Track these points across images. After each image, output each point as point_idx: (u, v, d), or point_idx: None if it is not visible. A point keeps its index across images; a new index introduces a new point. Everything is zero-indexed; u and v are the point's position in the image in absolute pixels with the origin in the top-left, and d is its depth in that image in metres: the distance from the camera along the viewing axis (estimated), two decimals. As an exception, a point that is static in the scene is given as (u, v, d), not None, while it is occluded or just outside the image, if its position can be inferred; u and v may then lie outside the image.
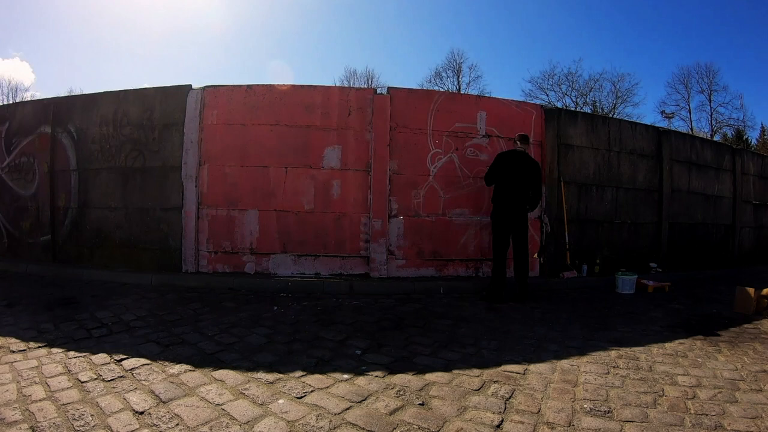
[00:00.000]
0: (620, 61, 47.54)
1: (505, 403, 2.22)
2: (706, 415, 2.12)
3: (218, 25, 46.55)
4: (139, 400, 2.15)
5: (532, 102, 12.16)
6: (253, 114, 5.18)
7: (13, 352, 2.72)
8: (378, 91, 5.55)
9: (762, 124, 29.02)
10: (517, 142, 4.85)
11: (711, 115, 28.00)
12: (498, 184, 4.74)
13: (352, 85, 28.85)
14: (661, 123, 24.60)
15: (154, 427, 1.92)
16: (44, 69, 43.01)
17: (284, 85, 5.27)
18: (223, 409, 2.09)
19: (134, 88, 5.65)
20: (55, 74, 42.81)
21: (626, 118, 19.76)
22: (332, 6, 46.32)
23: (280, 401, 2.19)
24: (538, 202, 4.92)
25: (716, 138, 25.11)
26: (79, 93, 13.28)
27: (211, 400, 2.17)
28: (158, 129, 5.35)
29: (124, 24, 45.39)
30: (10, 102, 23.76)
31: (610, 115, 24.82)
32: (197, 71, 46.54)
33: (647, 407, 2.20)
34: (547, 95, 30.00)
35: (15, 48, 42.10)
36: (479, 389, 2.39)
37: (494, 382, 2.49)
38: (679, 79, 29.35)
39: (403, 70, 45.35)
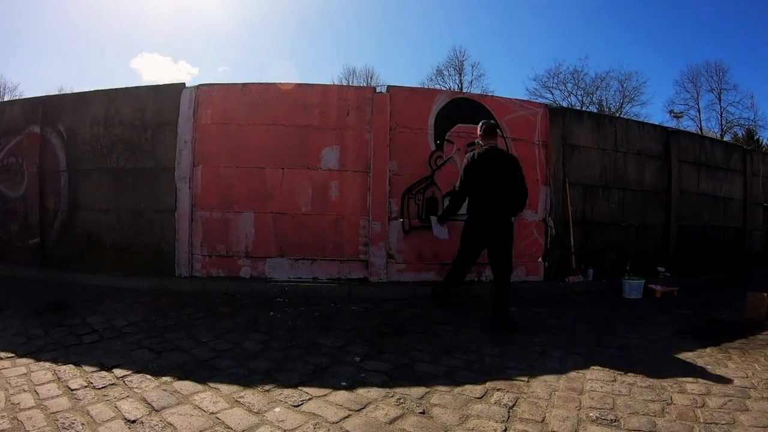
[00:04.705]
0: (627, 59, 47.52)
1: (509, 412, 2.19)
2: (716, 424, 2.09)
3: (215, 23, 46.35)
4: (131, 408, 2.11)
5: (536, 101, 12.11)
6: (249, 113, 5.10)
7: (1, 359, 2.65)
8: (377, 89, 5.49)
9: (773, 123, 28.71)
10: (482, 138, 4.03)
11: (721, 115, 27.56)
12: (475, 192, 3.96)
13: (351, 84, 28.68)
14: (670, 123, 24.39)
15: (146, 438, 1.86)
16: (34, 67, 42.48)
17: (281, 83, 5.20)
18: (217, 418, 2.05)
19: (126, 86, 5.55)
20: (45, 72, 42.31)
21: (633, 118, 19.74)
22: (331, 2, 46.22)
23: (277, 409, 2.15)
24: (525, 201, 4.09)
25: (726, 138, 24.69)
26: (70, 92, 13.13)
27: (205, 409, 2.13)
28: (151, 129, 5.26)
29: (122, 23, 45.08)
30: None
31: (617, 115, 24.74)
32: (194, 70, 46.33)
33: (655, 416, 2.16)
34: (552, 94, 29.81)
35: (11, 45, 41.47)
36: (482, 397, 2.35)
37: (497, 389, 2.44)
38: (688, 77, 28.69)
39: (404, 68, 45.15)
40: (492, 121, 4.50)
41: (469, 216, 4.16)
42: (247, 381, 2.46)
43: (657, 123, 9.22)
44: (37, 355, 2.74)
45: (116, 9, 44.54)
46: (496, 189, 3.85)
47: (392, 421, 2.06)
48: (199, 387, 2.36)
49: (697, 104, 28.36)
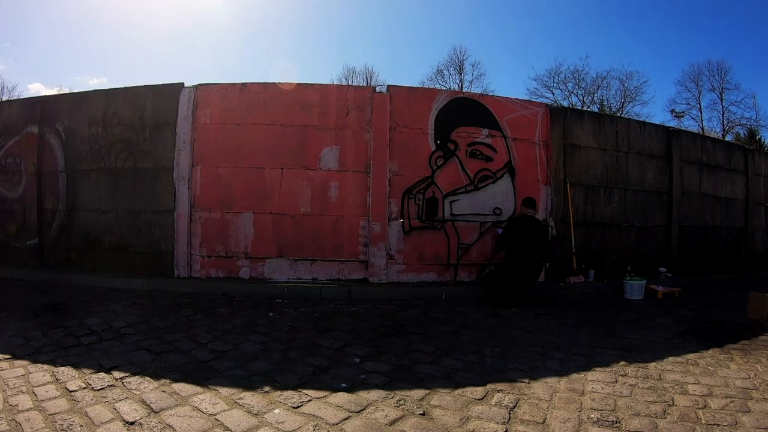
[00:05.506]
0: (629, 58, 46.93)
1: (510, 413, 2.17)
2: (718, 425, 2.08)
3: (214, 22, 45.99)
4: (129, 410, 2.10)
5: (537, 101, 12.08)
6: (248, 113, 5.09)
7: (-1, 360, 2.63)
8: (377, 89, 5.49)
9: (776, 123, 28.51)
10: (523, 206, 4.97)
11: (723, 115, 27.17)
12: (510, 250, 4.81)
13: (350, 83, 28.64)
14: (671, 122, 24.14)
15: (145, 440, 1.84)
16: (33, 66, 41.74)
17: (280, 83, 5.19)
18: (216, 420, 2.04)
19: (124, 86, 5.54)
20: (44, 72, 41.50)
21: (635, 118, 19.66)
22: (330, 1, 45.95)
23: (276, 411, 2.14)
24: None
25: (728, 138, 24.52)
26: (68, 91, 13.05)
27: (204, 410, 2.12)
28: (149, 129, 5.25)
29: (121, 22, 44.73)
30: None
31: (618, 115, 24.73)
32: (193, 70, 45.96)
33: (656, 417, 2.15)
34: (553, 94, 29.57)
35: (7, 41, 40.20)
36: (482, 398, 2.33)
37: (498, 391, 2.43)
38: (690, 77, 28.21)
39: (404, 68, 44.76)
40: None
41: None
42: (247, 382, 2.44)
43: (658, 123, 9.19)
44: (35, 356, 2.72)
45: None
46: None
47: (392, 423, 2.05)
48: (198, 388, 2.34)
49: (699, 104, 28.23)
